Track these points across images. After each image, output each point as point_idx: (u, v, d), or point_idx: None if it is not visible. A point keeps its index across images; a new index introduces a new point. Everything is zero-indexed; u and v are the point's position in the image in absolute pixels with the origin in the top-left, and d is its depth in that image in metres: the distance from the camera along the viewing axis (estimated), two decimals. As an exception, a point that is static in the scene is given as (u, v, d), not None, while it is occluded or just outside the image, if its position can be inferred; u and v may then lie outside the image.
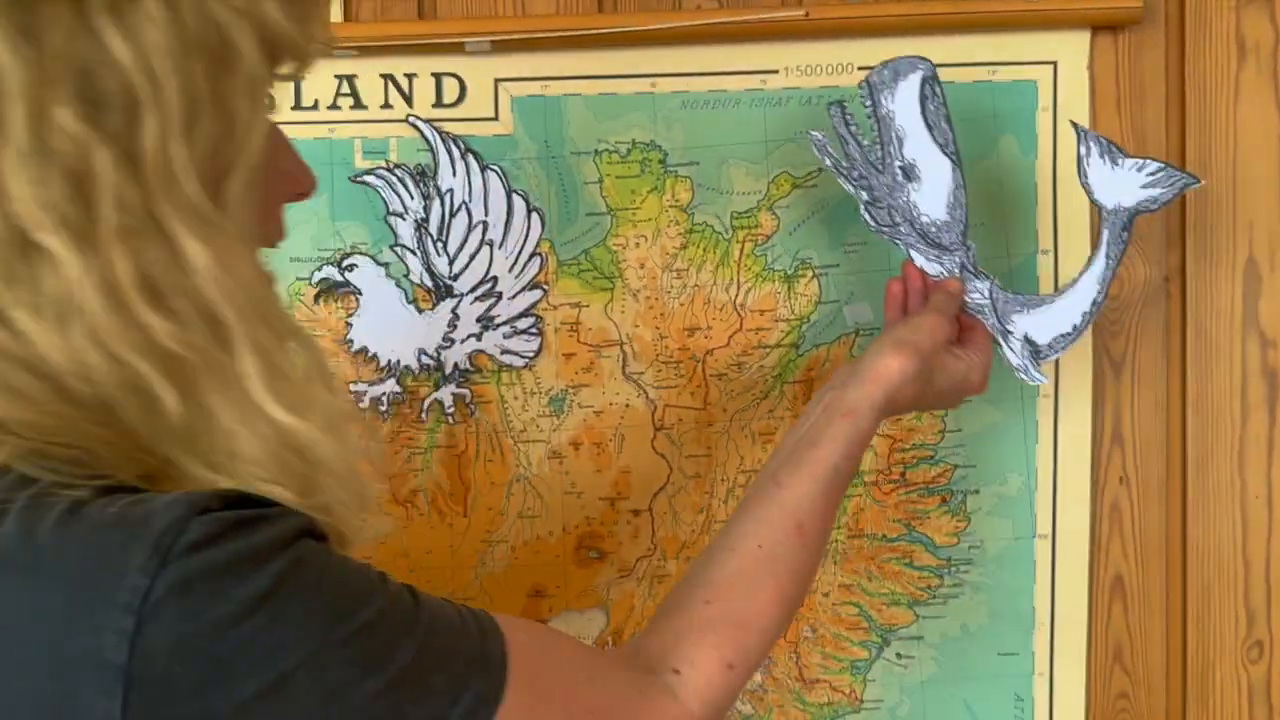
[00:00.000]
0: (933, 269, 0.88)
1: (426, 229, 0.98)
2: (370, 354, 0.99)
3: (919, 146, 0.87)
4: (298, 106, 0.98)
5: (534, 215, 0.97)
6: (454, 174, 0.97)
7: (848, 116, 0.87)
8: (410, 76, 0.98)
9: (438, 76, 0.98)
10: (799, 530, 0.72)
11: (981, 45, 0.96)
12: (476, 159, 0.97)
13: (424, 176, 0.98)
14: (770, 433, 0.98)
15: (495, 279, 0.98)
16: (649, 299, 0.98)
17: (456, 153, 0.97)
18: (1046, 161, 0.97)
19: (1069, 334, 0.89)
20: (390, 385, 0.99)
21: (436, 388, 0.99)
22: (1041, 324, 0.89)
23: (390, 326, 0.98)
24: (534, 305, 0.98)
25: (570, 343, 0.98)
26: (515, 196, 0.97)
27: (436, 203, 0.97)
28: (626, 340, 0.98)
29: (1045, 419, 0.98)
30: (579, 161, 0.97)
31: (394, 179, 0.98)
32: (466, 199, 0.97)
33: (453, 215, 0.97)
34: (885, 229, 0.87)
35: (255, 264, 0.55)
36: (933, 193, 0.88)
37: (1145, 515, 0.99)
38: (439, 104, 0.98)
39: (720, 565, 0.71)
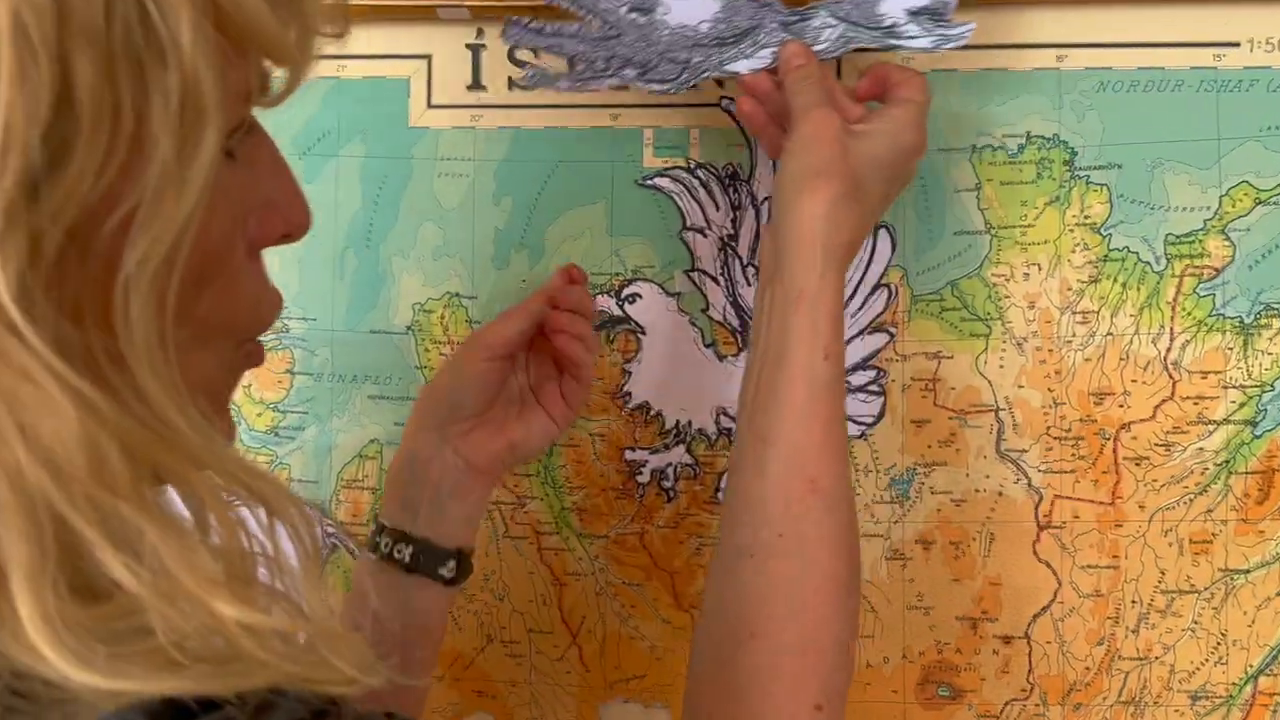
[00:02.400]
0: (746, 65, 0.65)
1: (734, 249, 0.71)
2: (653, 412, 0.73)
3: None
4: (571, 86, 0.73)
5: (881, 234, 0.70)
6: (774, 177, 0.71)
7: None
8: (724, 46, 0.72)
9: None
10: (814, 488, 0.56)
11: None
12: None
13: (735, 181, 0.71)
14: (1207, 539, 0.68)
15: None
16: (1040, 351, 0.69)
17: None
18: None
19: None
20: (678, 454, 0.73)
21: (740, 457, 0.72)
22: None
23: (681, 376, 0.72)
24: (876, 354, 0.70)
25: (924, 406, 0.70)
26: None
27: (749, 215, 0.71)
28: (1005, 405, 0.70)
29: None
30: (948, 161, 0.70)
31: (695, 183, 0.72)
32: None
33: None
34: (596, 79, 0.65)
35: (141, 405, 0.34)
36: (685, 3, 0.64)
37: None
38: (760, 82, 0.72)
39: (744, 582, 0.55)
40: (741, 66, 0.65)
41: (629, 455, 0.73)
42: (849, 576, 0.56)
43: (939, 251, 0.70)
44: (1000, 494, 0.70)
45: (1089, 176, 0.68)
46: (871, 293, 0.70)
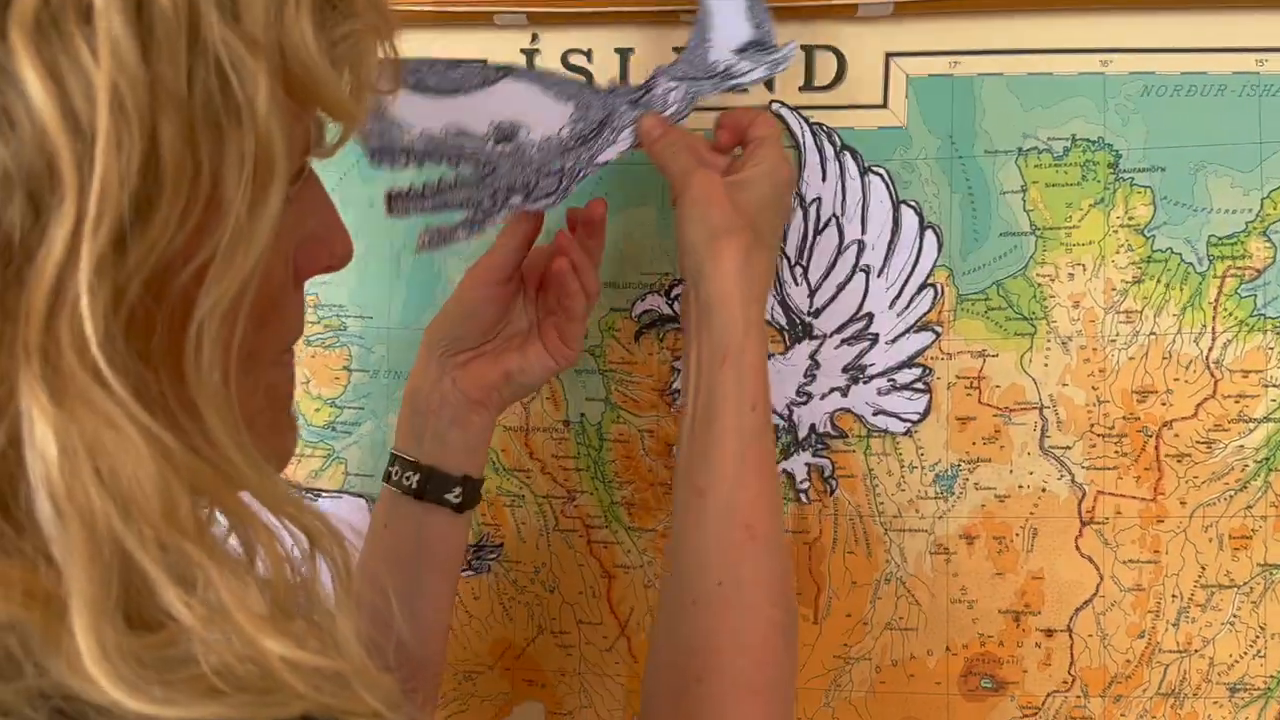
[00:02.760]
0: (614, 152, 0.66)
1: (782, 249, 0.72)
2: None
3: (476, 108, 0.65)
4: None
5: (928, 234, 0.71)
6: (823, 178, 0.72)
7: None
8: (773, 50, 0.73)
9: (808, 50, 0.73)
10: (750, 535, 0.58)
11: None
12: (855, 159, 0.71)
13: None
14: (1246, 535, 0.69)
15: (870, 317, 0.72)
16: (1084, 349, 0.70)
17: (829, 150, 0.72)
18: None
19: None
20: None
21: (785, 455, 0.74)
22: (728, 29, 0.66)
23: (730, 372, 0.74)
24: (922, 352, 0.72)
25: (969, 403, 0.71)
26: (905, 209, 0.71)
27: (798, 215, 0.72)
28: (1049, 403, 0.71)
29: None
30: (995, 163, 0.71)
31: None
32: (838, 211, 0.72)
33: (818, 232, 0.72)
34: (489, 218, 0.64)
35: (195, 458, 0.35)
36: (541, 117, 0.65)
37: None
38: (809, 86, 0.73)
39: (689, 628, 0.57)
40: (610, 154, 0.66)
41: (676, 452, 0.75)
42: (787, 619, 0.59)
43: (985, 252, 0.71)
44: (1044, 490, 0.71)
45: (1133, 179, 0.69)
46: (918, 292, 0.72)
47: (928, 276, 0.71)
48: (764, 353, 0.61)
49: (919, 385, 0.72)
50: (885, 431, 0.72)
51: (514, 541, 0.77)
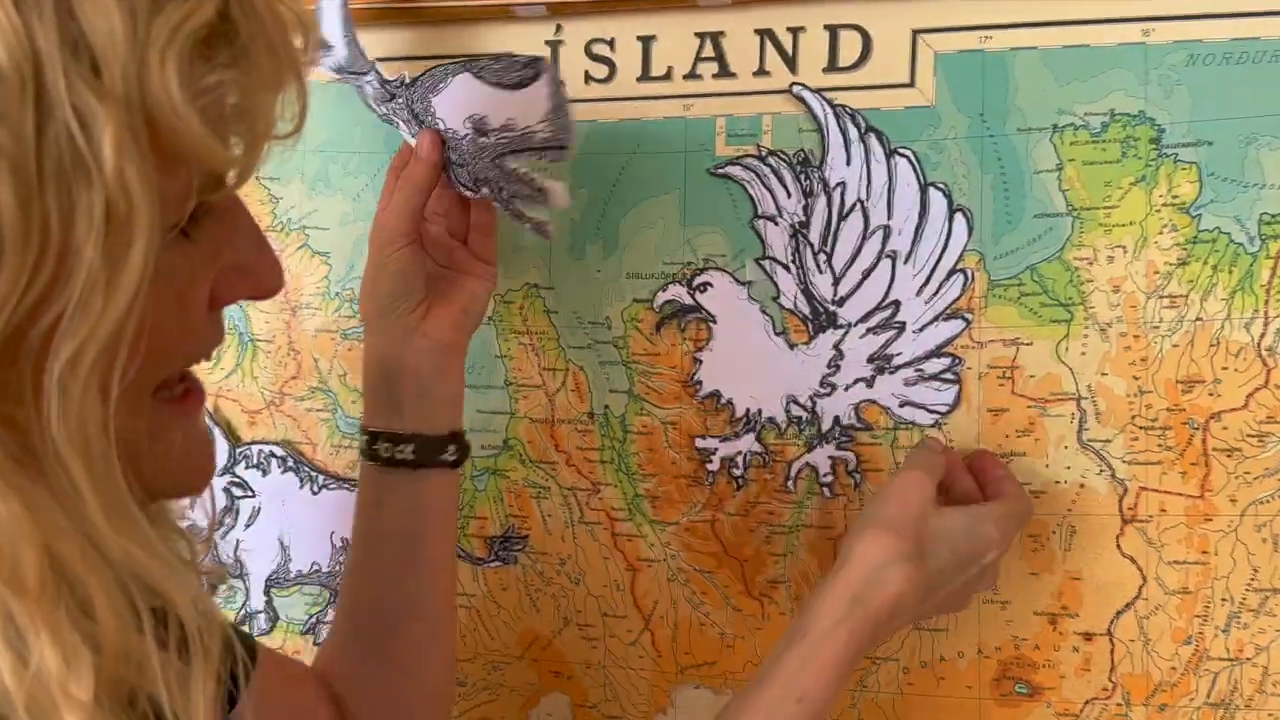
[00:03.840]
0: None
1: (805, 236, 0.69)
2: (723, 400, 0.72)
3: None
4: (645, 77, 0.72)
5: (957, 217, 0.67)
6: (848, 161, 0.68)
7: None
8: (795, 31, 0.70)
9: (832, 30, 0.69)
10: None
11: None
12: (881, 141, 0.68)
13: (806, 167, 0.69)
14: (1305, 539, 0.63)
15: (897, 304, 0.68)
16: (1125, 337, 0.65)
17: (854, 133, 0.68)
18: None
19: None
20: (748, 442, 0.71)
21: (809, 448, 0.70)
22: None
23: (751, 365, 0.71)
24: (951, 341, 0.68)
25: (1002, 394, 0.67)
26: (933, 192, 0.67)
27: (821, 201, 0.69)
28: (1087, 394, 0.66)
29: None
30: (1029, 141, 0.66)
31: (766, 170, 0.70)
32: (863, 196, 0.68)
33: (842, 218, 0.69)
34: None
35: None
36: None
37: None
38: (833, 67, 0.69)
39: None
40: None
41: (699, 444, 0.72)
42: None
43: (1018, 235, 0.67)
44: (1082, 486, 0.66)
45: (1177, 154, 0.64)
46: (947, 278, 0.68)
47: (957, 261, 0.67)
48: (843, 658, 0.56)
49: (948, 375, 0.68)
50: (913, 424, 0.68)
51: (540, 533, 0.76)
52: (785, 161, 0.70)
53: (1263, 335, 0.63)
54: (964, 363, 0.67)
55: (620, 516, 0.74)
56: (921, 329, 0.68)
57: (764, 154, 0.70)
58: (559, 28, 0.74)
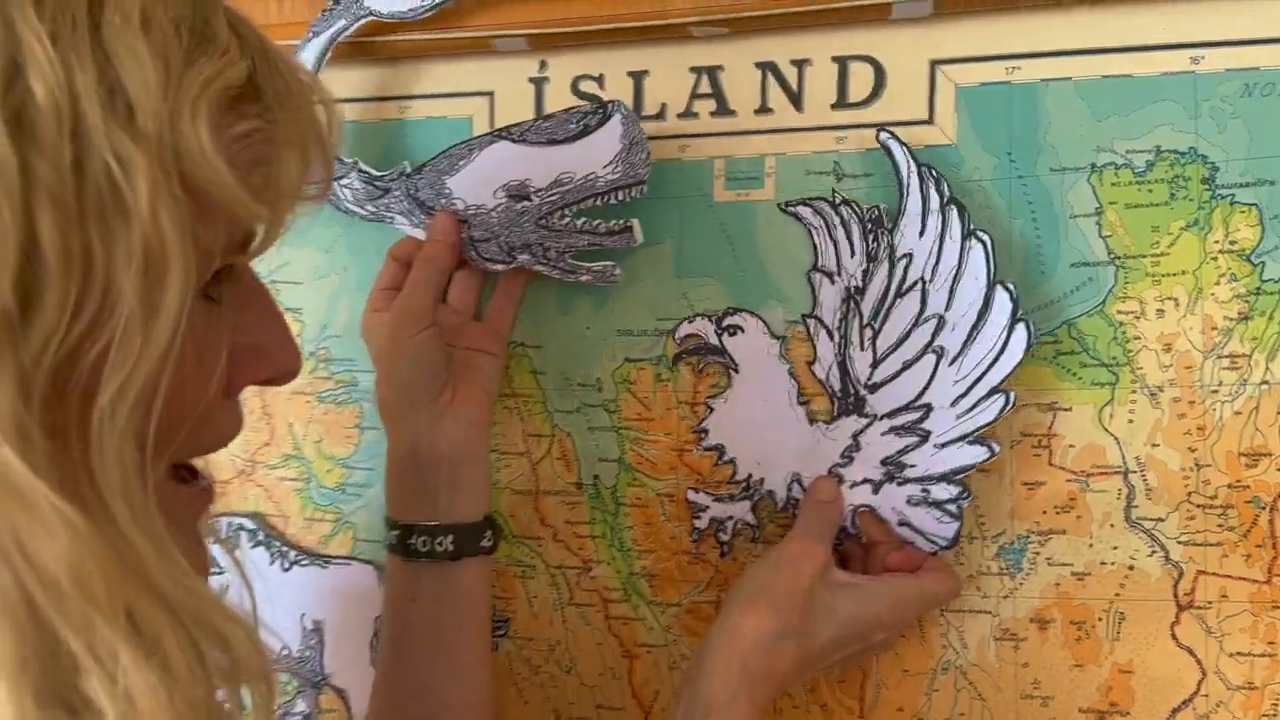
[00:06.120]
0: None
1: (858, 305, 0.59)
2: (726, 457, 0.63)
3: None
4: (638, 116, 0.63)
5: (1018, 329, 0.56)
6: (921, 232, 0.58)
7: None
8: (801, 64, 0.61)
9: (841, 61, 0.60)
10: None
11: None
12: (961, 218, 0.57)
13: (878, 227, 0.59)
14: (1391, 632, 0.54)
15: (928, 409, 0.58)
16: (1179, 403, 0.56)
17: (935, 201, 0.57)
18: None
19: None
20: (742, 509, 0.62)
21: (808, 529, 0.61)
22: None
23: (765, 429, 0.62)
24: (968, 470, 0.57)
25: (1037, 465, 0.58)
26: (999, 292, 0.56)
27: (883, 269, 0.59)
28: (1136, 467, 0.56)
29: None
30: (1064, 183, 0.57)
31: (836, 221, 0.60)
32: (926, 276, 0.58)
33: (900, 295, 0.59)
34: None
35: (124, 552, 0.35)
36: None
37: None
38: (842, 103, 0.61)
39: None
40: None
41: (691, 496, 0.63)
42: None
43: (1053, 286, 0.57)
44: (1131, 567, 0.57)
45: (1234, 195, 0.55)
46: (986, 396, 0.56)
47: (1004, 380, 0.57)
48: None
49: (952, 508, 0.58)
50: (910, 544, 0.59)
51: (526, 616, 0.67)
52: (857, 215, 0.60)
53: (1338, 400, 0.54)
54: (973, 497, 0.57)
55: (615, 597, 0.65)
56: (943, 446, 0.58)
57: (837, 201, 0.60)
58: (543, 64, 0.66)
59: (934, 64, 0.59)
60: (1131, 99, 0.56)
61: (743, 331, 0.63)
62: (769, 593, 0.55)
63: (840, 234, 0.60)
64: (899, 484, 0.58)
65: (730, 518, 0.63)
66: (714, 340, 0.63)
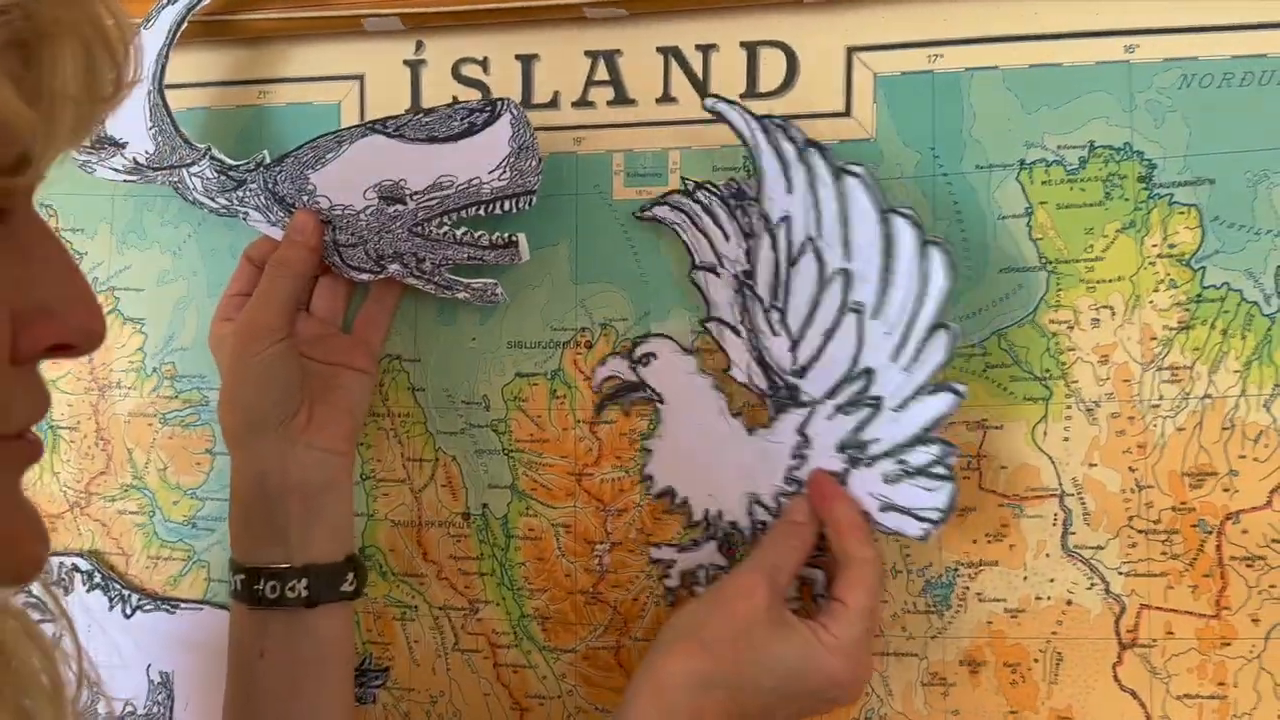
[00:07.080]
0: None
1: (752, 290, 0.53)
2: (678, 500, 0.55)
3: None
4: (526, 105, 0.57)
5: (932, 254, 0.51)
6: (788, 188, 0.52)
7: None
8: (706, 49, 0.55)
9: (750, 47, 0.54)
10: None
11: None
12: (824, 157, 0.51)
13: (742, 200, 0.53)
14: (1344, 667, 0.49)
15: (869, 374, 0.51)
16: (1117, 419, 0.51)
17: (790, 151, 0.52)
18: None
19: None
20: (708, 552, 0.55)
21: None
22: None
23: (707, 455, 0.55)
24: (940, 421, 0.50)
25: (966, 489, 0.52)
26: (897, 221, 0.50)
27: (765, 243, 0.53)
28: (1073, 489, 0.51)
29: None
30: (991, 181, 0.52)
31: (696, 209, 0.54)
32: (812, 232, 0.52)
33: (792, 263, 0.52)
34: None
35: None
36: None
37: None
38: (752, 92, 0.55)
39: None
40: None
41: (654, 554, 0.56)
42: None
43: (980, 294, 0.52)
44: (1069, 603, 0.51)
45: (1172, 195, 0.50)
46: (927, 336, 0.50)
47: (939, 312, 0.50)
48: None
49: (938, 469, 0.51)
50: (898, 534, 0.52)
51: (405, 664, 0.59)
52: (716, 195, 0.54)
53: (1286, 416, 0.49)
54: (958, 448, 0.51)
55: (504, 642, 0.58)
56: (902, 406, 0.51)
57: (691, 188, 0.54)
58: (420, 45, 0.58)
59: (850, 50, 0.53)
60: (1062, 90, 0.51)
61: (655, 358, 0.56)
62: (700, 632, 0.49)
63: (706, 222, 0.54)
64: (867, 465, 0.51)
65: (700, 566, 0.55)
66: (631, 376, 0.56)
